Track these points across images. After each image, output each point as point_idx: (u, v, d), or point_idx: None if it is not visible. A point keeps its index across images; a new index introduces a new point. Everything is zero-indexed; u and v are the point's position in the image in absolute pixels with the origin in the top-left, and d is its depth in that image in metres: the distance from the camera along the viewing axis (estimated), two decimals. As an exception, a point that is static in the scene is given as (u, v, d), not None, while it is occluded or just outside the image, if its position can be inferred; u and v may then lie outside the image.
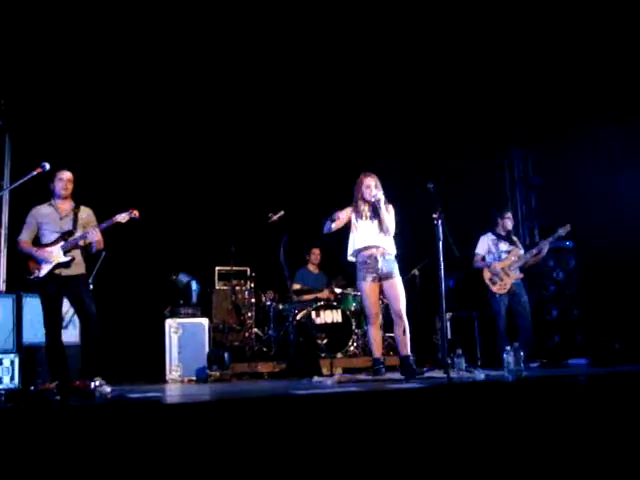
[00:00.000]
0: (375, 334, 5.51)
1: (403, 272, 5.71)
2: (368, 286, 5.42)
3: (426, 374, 5.34)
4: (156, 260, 7.55)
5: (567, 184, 8.11)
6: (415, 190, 5.97)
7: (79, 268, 5.19)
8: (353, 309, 7.57)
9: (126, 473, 2.73)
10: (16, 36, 6.55)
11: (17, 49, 6.65)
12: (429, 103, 8.09)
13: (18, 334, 5.98)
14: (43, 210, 5.21)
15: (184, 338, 6.85)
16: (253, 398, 3.90)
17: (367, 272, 5.41)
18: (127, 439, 2.81)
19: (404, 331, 5.35)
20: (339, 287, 7.75)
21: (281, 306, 7.62)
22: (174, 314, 7.06)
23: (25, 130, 7.09)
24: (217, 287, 7.91)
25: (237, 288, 7.76)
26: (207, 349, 6.82)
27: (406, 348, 5.34)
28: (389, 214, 5.46)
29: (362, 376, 5.68)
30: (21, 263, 5.15)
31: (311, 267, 8.05)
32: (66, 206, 5.24)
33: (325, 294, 7.71)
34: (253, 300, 7.70)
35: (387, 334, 7.05)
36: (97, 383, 4.68)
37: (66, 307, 5.37)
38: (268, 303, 7.64)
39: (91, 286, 5.59)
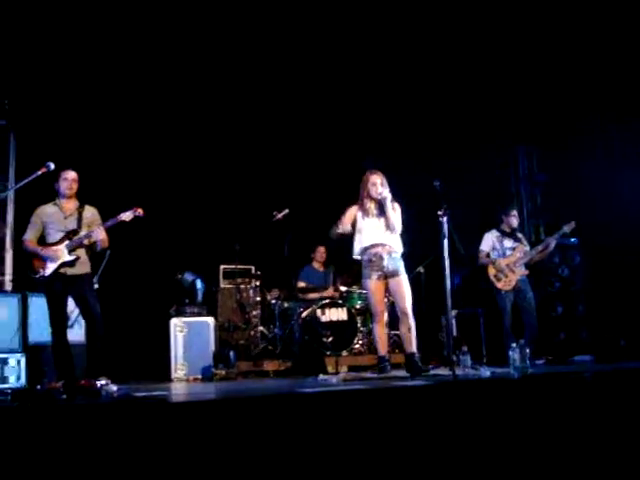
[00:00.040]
0: (380, 332, 5.51)
1: (408, 270, 5.69)
2: (374, 284, 5.42)
3: (432, 371, 5.36)
4: (161, 259, 7.57)
5: (572, 181, 8.08)
6: (420, 188, 5.95)
7: (84, 267, 5.20)
8: (358, 307, 7.55)
9: (132, 472, 2.74)
10: (20, 36, 6.56)
11: (21, 49, 6.66)
12: (434, 101, 8.07)
13: (24, 333, 6.00)
14: (48, 209, 5.22)
15: (189, 337, 6.87)
16: (259, 396, 3.91)
17: (373, 270, 5.40)
18: (133, 438, 2.82)
19: (410, 329, 5.35)
20: (344, 285, 7.74)
21: (286, 304, 7.61)
22: (179, 313, 7.07)
23: (29, 130, 7.11)
24: (222, 286, 7.91)
25: (242, 286, 7.76)
26: (212, 348, 6.85)
27: (412, 346, 5.34)
28: (395, 212, 5.44)
29: (368, 374, 5.70)
30: (26, 262, 5.16)
31: (316, 265, 8.02)
32: (70, 205, 5.25)
33: (330, 292, 7.69)
34: (258, 298, 7.69)
35: (392, 332, 7.04)
36: (103, 382, 4.70)
37: (71, 306, 5.39)
38: (273, 301, 7.63)
39: (96, 285, 5.61)
